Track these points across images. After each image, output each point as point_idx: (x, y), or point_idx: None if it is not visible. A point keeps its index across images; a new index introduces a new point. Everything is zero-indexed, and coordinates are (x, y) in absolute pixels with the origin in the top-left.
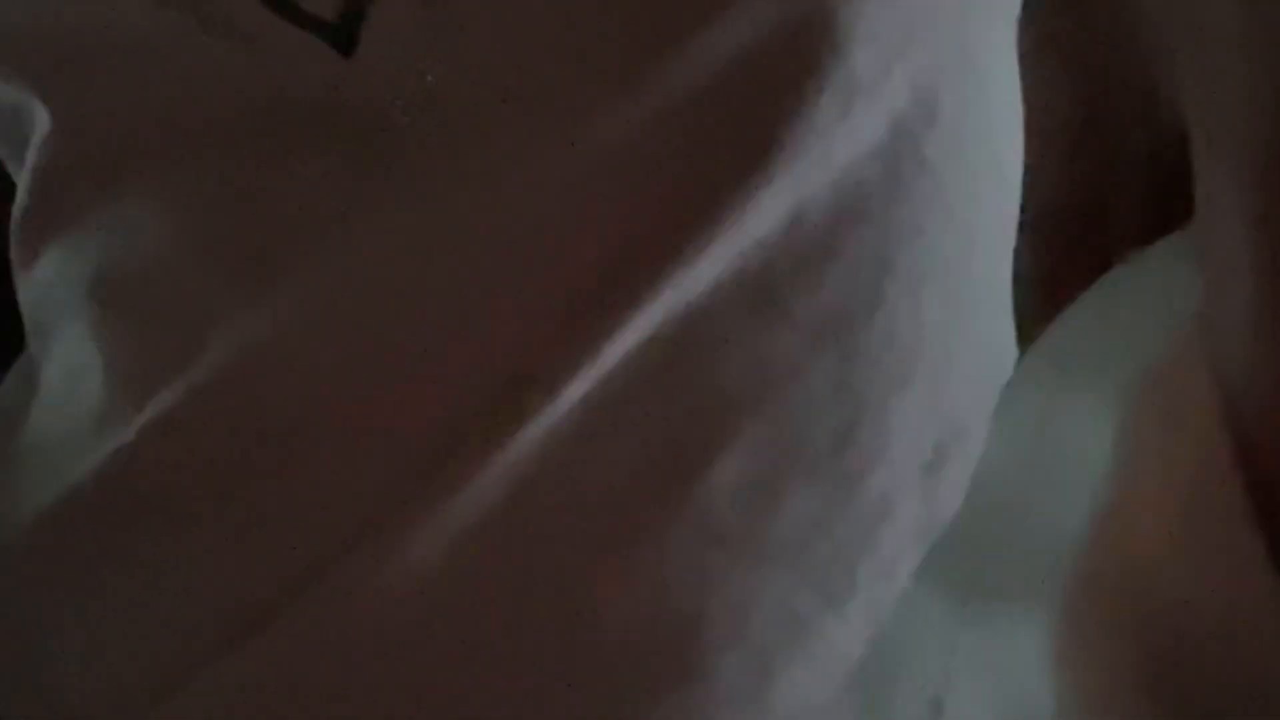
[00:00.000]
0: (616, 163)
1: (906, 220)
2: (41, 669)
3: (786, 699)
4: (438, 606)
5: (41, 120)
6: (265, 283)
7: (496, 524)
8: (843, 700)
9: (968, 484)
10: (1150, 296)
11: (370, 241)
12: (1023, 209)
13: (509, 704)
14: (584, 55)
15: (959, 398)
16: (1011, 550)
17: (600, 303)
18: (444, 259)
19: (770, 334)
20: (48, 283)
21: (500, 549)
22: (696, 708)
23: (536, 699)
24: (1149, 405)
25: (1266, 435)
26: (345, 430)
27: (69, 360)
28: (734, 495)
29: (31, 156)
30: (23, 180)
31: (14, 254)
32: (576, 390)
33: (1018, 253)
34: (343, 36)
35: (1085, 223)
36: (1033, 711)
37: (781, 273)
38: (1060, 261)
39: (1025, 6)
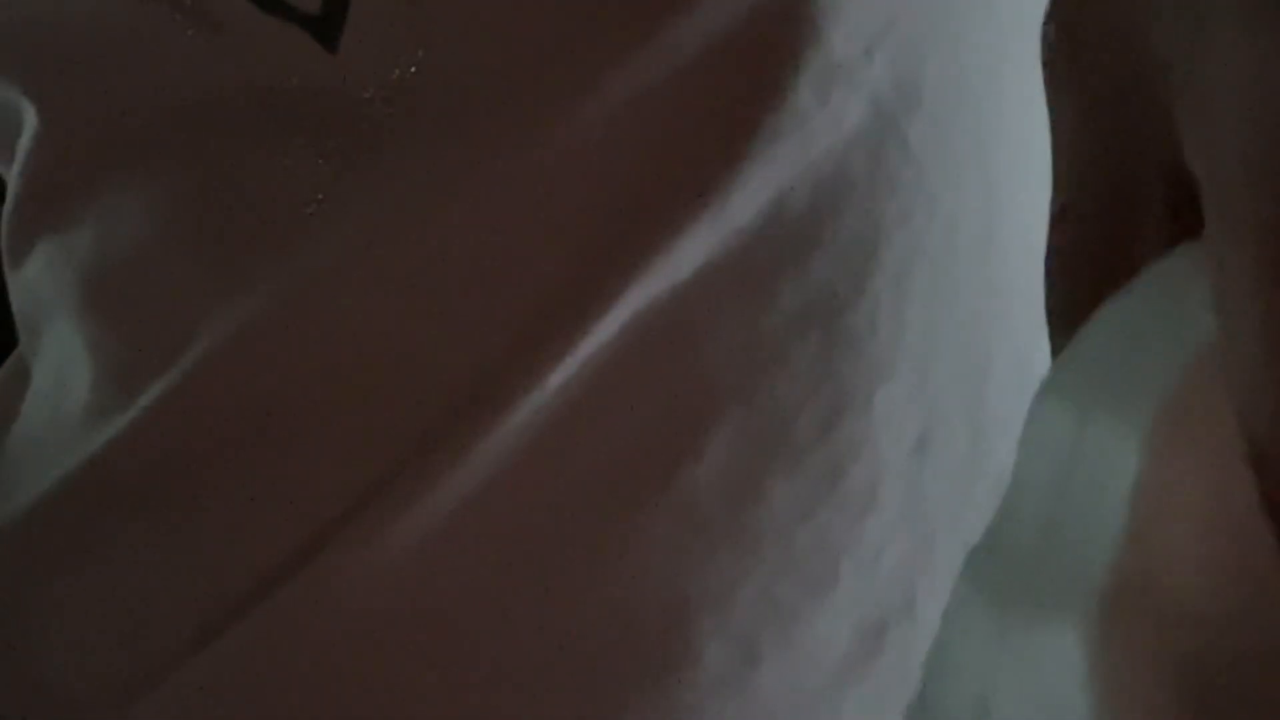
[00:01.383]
0: (595, 149)
1: (891, 207)
2: (30, 660)
3: (770, 687)
4: (420, 593)
5: (30, 118)
6: (248, 272)
7: (478, 511)
8: (827, 689)
9: (998, 504)
10: (1171, 306)
11: (352, 229)
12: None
13: (490, 691)
14: (563, 42)
15: (943, 386)
16: (1045, 566)
17: (582, 288)
18: (425, 247)
19: (755, 321)
20: (37, 281)
21: (482, 536)
22: (681, 695)
23: (519, 687)
24: (1172, 428)
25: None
26: (327, 417)
27: (58, 357)
28: (718, 483)
29: (20, 156)
30: (12, 180)
31: (4, 254)
32: (559, 377)
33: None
34: (326, 29)
35: (1106, 243)
36: (1073, 716)
37: (766, 260)
38: (1082, 281)
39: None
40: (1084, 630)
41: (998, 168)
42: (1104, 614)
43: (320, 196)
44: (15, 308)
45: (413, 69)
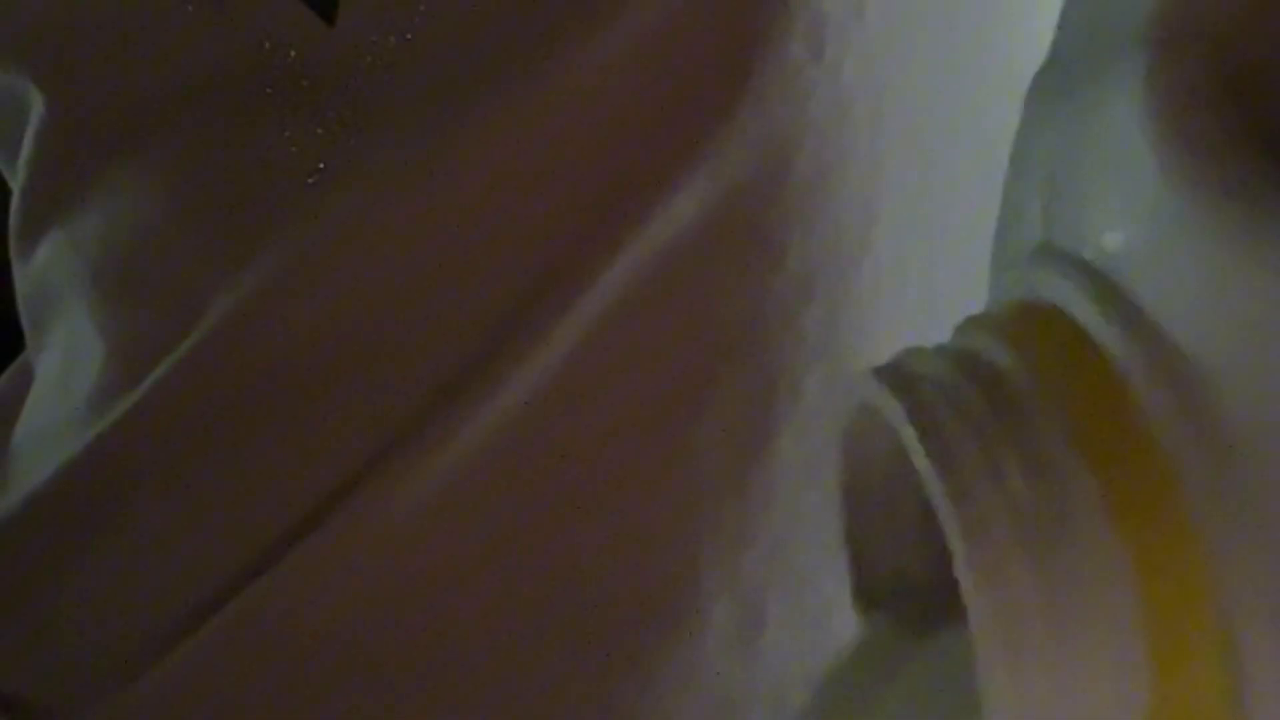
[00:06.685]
0: (590, 103)
1: (891, 168)
2: (38, 639)
3: (778, 647)
4: (429, 554)
5: (37, 107)
6: (253, 245)
7: (488, 469)
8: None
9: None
10: None
11: (354, 196)
12: None
13: (503, 644)
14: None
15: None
16: (1096, 41)
17: (582, 241)
18: (426, 209)
19: (761, 281)
20: (46, 270)
21: (493, 494)
22: (688, 654)
23: (529, 641)
24: None
25: None
26: (336, 383)
27: (67, 347)
28: (724, 441)
29: (28, 145)
30: (20, 171)
31: (13, 247)
32: (564, 333)
33: None
34: (324, 1)
35: None
36: (1137, 171)
37: (774, 220)
38: None
39: None
40: (1139, 72)
41: (993, 127)
42: (1157, 49)
43: (321, 166)
44: (23, 303)
45: (408, 35)
